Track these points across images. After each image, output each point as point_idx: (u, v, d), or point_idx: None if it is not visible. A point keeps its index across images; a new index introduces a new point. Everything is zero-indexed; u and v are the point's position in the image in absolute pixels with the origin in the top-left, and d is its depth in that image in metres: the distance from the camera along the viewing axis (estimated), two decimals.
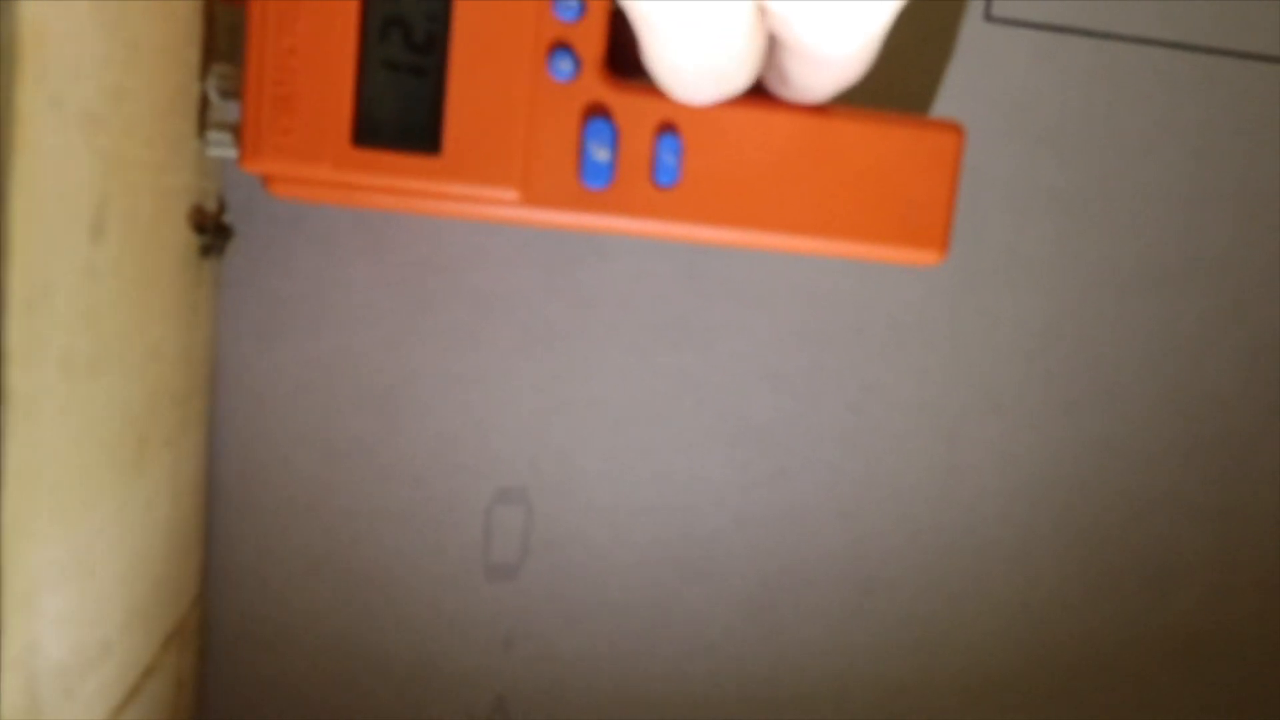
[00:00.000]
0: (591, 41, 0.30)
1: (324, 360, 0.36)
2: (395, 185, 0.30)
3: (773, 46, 0.27)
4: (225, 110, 0.31)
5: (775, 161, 0.31)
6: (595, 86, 0.30)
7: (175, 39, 0.28)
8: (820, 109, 0.31)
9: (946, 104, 0.38)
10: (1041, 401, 0.40)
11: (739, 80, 0.28)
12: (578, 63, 0.30)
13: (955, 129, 0.31)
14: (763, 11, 0.24)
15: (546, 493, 0.38)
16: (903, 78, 0.38)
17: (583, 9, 0.30)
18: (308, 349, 0.36)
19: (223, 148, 0.30)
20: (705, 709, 0.40)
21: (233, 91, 0.30)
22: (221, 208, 0.34)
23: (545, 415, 0.37)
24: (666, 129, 0.30)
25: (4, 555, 0.19)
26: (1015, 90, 0.38)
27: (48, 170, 0.20)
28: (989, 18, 0.38)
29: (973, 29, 0.38)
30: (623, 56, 0.32)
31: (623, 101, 0.30)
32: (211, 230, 0.32)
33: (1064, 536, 0.41)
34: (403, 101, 0.30)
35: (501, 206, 0.30)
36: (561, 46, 0.30)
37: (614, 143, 0.30)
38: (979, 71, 0.38)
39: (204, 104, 0.31)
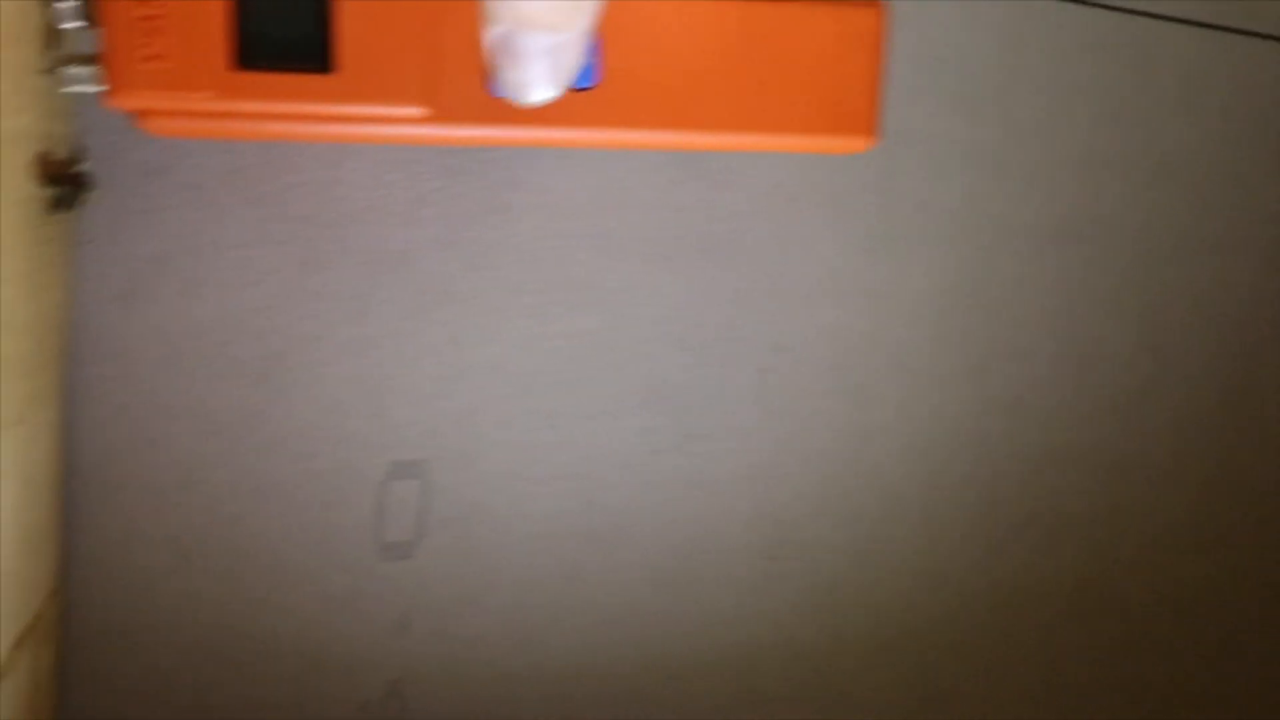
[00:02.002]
0: None
1: (198, 325, 0.32)
2: (286, 110, 0.27)
3: None
4: (78, 39, 0.27)
5: (696, 53, 0.29)
6: None
7: None
8: None
9: None
10: (949, 362, 0.40)
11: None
12: None
13: (876, 6, 0.30)
14: None
15: (445, 465, 0.35)
16: None
17: None
18: (179, 313, 0.32)
19: (81, 82, 0.26)
20: (611, 682, 0.39)
21: (88, 15, 0.27)
22: (76, 155, 0.30)
23: (444, 382, 0.35)
24: None
25: None
26: (933, 47, 0.37)
27: None
28: None
29: None
30: None
31: None
32: (64, 181, 0.29)
33: (966, 495, 0.41)
34: (289, 12, 0.27)
35: (405, 125, 0.28)
36: None
37: None
38: (898, 28, 0.37)
39: (50, 31, 0.27)
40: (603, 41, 0.28)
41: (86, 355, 0.32)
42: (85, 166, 0.30)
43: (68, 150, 0.30)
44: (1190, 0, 0.39)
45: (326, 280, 0.33)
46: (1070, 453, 0.42)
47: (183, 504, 0.33)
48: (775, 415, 0.38)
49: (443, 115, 0.28)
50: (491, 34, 0.24)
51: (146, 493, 0.33)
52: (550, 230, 0.35)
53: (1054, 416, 0.41)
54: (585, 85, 0.28)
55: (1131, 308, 0.41)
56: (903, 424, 0.40)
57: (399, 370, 0.34)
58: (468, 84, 0.28)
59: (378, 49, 0.27)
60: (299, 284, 0.33)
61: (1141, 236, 0.41)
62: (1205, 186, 0.41)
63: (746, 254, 0.37)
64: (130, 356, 0.32)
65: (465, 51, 0.27)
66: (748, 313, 0.37)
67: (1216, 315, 0.42)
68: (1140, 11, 0.39)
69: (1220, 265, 0.42)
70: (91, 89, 0.27)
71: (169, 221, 0.32)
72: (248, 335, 0.33)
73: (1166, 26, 0.39)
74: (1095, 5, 0.38)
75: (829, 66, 0.30)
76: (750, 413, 0.38)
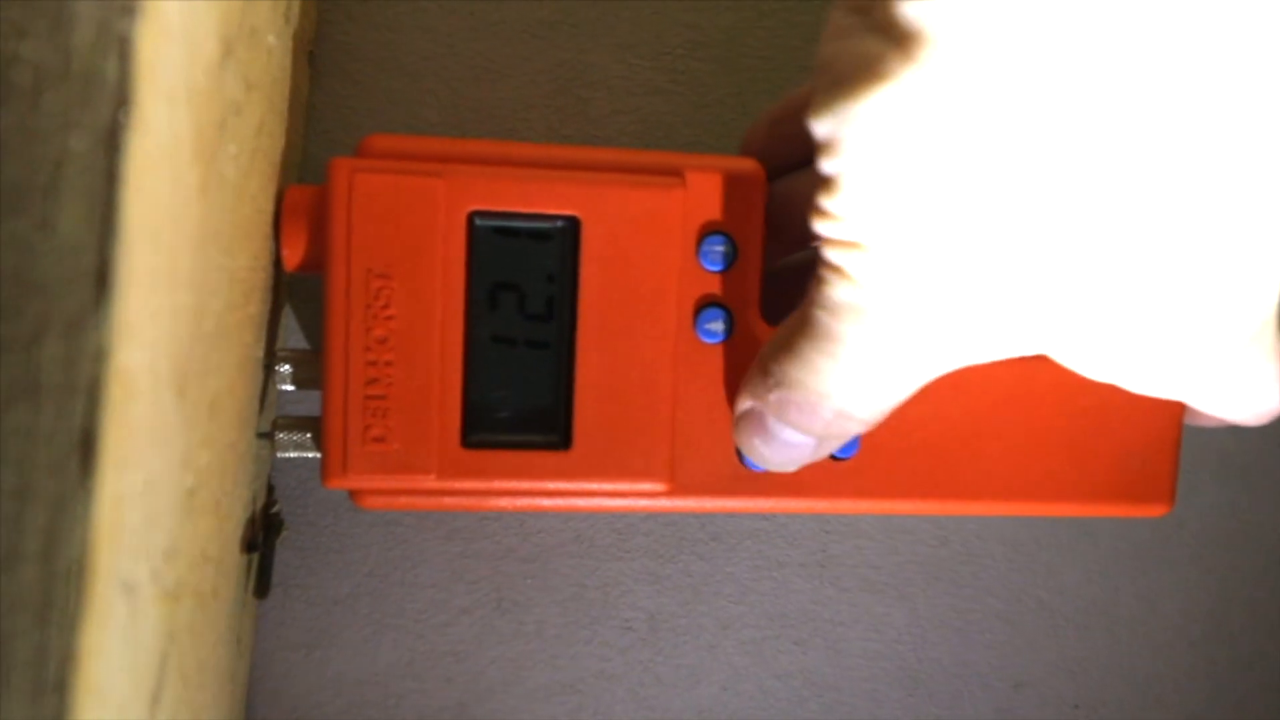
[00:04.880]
0: (745, 291, 0.24)
1: (383, 673, 0.29)
2: (516, 488, 0.24)
3: None
4: (277, 397, 0.25)
5: (967, 418, 0.25)
6: (753, 344, 0.24)
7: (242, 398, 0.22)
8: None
9: None
10: (1204, 698, 0.34)
11: None
12: (731, 320, 0.24)
13: None
14: None
15: None
16: None
17: (734, 255, 0.24)
18: (364, 659, 0.29)
19: (295, 449, 0.24)
20: None
21: (307, 379, 0.24)
22: (270, 494, 0.28)
23: None
24: None
25: None
26: None
27: (114, 649, 0.14)
28: None
29: None
30: (775, 299, 0.26)
31: None
32: (259, 531, 0.26)
33: None
34: (522, 387, 0.24)
35: (644, 499, 0.24)
36: (711, 303, 0.24)
37: None
38: None
39: (265, 390, 0.25)
40: None
41: (261, 706, 0.28)
42: (276, 507, 0.28)
43: (262, 494, 0.27)
44: None
45: (522, 621, 0.30)
46: None
47: None
48: None
49: (684, 489, 0.24)
50: (753, 410, 0.22)
51: None
52: (768, 559, 0.31)
53: None
54: (844, 456, 0.25)
55: None
56: None
57: (596, 717, 0.30)
58: (715, 456, 0.24)
59: (620, 422, 0.24)
60: (491, 626, 0.29)
61: None
62: None
63: (979, 580, 0.32)
64: (309, 707, 0.29)
65: (714, 419, 0.24)
66: (982, 645, 0.32)
67: None
68: None
69: None
70: (306, 454, 0.24)
71: (359, 561, 0.29)
72: (434, 683, 0.29)
73: None
74: None
75: (1124, 430, 0.26)
76: None
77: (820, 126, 0.18)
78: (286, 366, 0.24)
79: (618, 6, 0.29)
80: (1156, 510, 0.26)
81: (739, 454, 0.24)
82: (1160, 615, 0.34)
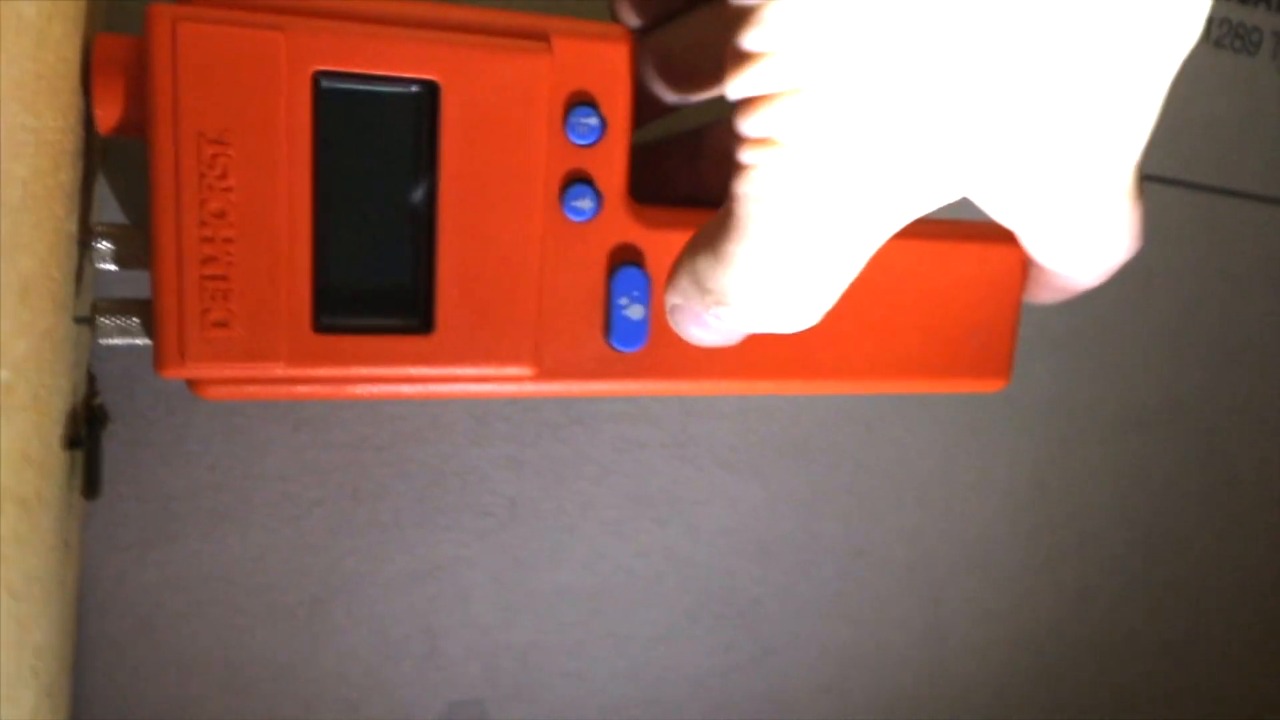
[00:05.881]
0: (613, 167, 0.23)
1: (229, 569, 0.27)
2: (372, 374, 0.22)
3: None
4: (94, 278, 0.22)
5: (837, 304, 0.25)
6: (621, 224, 0.23)
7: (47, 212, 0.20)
8: None
9: None
10: (1022, 555, 0.37)
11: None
12: (599, 197, 0.23)
13: (1016, 246, 0.27)
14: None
15: (504, 703, 0.31)
16: None
17: (602, 127, 0.23)
18: (207, 557, 0.27)
19: (120, 334, 0.22)
20: None
21: (131, 257, 0.22)
22: (92, 385, 0.25)
23: (505, 612, 0.31)
24: None
25: None
26: None
27: None
28: None
29: None
30: (644, 176, 0.26)
31: (657, 241, 0.24)
32: (82, 425, 0.24)
33: (1037, 687, 0.39)
34: (379, 266, 0.22)
35: (509, 383, 0.24)
36: (578, 179, 0.23)
37: (648, 295, 0.24)
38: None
39: (81, 270, 0.22)
40: None
41: (95, 611, 0.26)
42: (99, 399, 0.25)
43: (83, 385, 0.25)
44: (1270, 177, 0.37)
45: (377, 510, 0.29)
46: (1135, 638, 0.40)
47: None
48: (853, 622, 0.35)
49: (550, 373, 0.24)
50: (683, 303, 0.21)
51: None
52: (629, 440, 0.31)
53: (1120, 603, 0.39)
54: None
55: (1197, 489, 0.39)
56: (975, 623, 0.37)
57: (455, 604, 0.30)
58: (583, 338, 0.24)
59: (484, 303, 0.22)
60: (344, 517, 0.28)
61: (1212, 418, 0.39)
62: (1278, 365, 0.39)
63: (828, 455, 0.33)
64: (145, 609, 0.27)
65: (581, 300, 0.23)
66: (828, 516, 0.34)
67: None
68: (1223, 190, 0.37)
69: None
70: (134, 341, 0.22)
71: (198, 455, 0.27)
72: (284, 577, 0.28)
73: (1248, 204, 0.37)
74: (1179, 184, 0.36)
75: (966, 309, 0.27)
76: (828, 621, 0.35)
77: None
78: (105, 243, 0.21)
79: None
80: (995, 385, 0.28)
81: (605, 334, 0.24)
82: (991, 483, 0.36)
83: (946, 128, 0.17)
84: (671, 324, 0.22)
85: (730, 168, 0.18)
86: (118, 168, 0.25)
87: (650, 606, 0.32)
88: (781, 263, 0.19)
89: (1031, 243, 0.22)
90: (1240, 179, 0.37)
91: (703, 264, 0.20)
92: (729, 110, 0.26)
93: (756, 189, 0.18)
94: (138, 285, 0.22)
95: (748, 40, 0.17)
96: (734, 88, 0.17)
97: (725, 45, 0.17)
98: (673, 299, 0.21)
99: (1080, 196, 0.20)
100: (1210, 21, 0.36)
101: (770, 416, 0.32)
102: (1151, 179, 0.36)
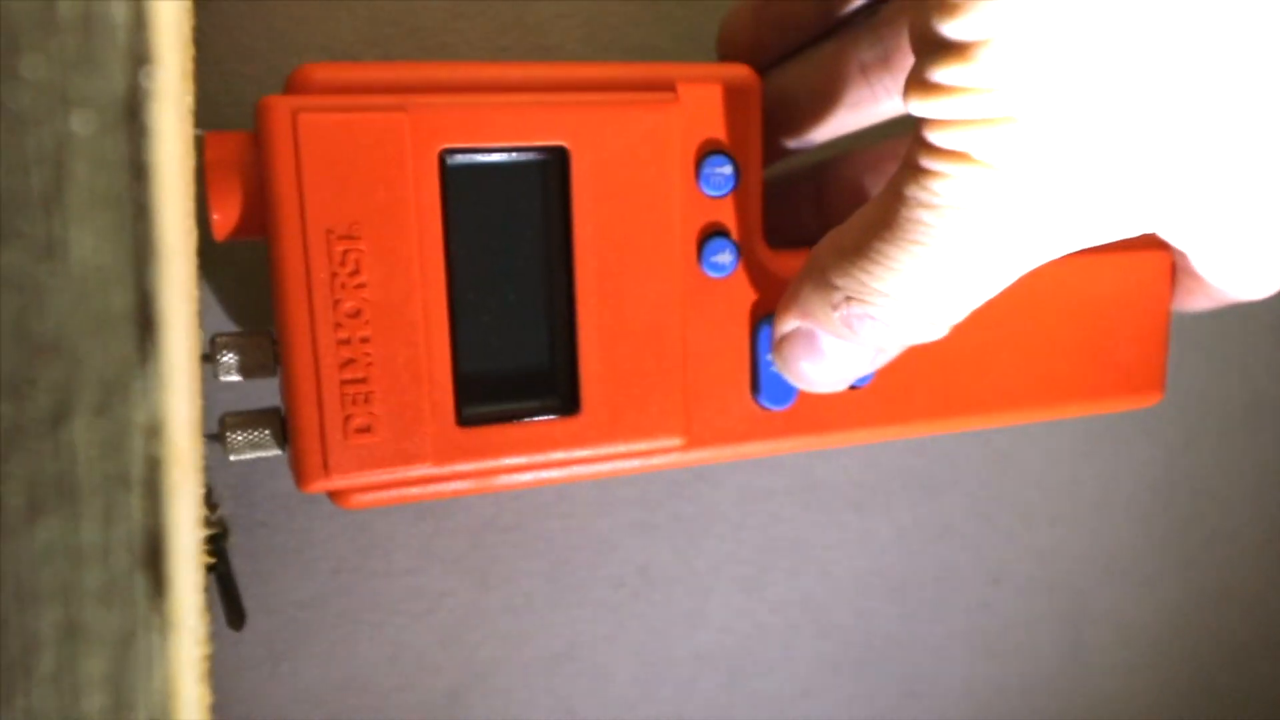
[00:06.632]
0: (749, 216, 0.22)
1: (364, 674, 0.26)
2: (520, 465, 0.21)
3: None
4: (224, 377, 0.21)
5: (968, 334, 0.24)
6: (761, 275, 0.22)
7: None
8: None
9: None
10: (1157, 560, 0.35)
11: None
12: (737, 249, 0.22)
13: (1165, 251, 0.25)
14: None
15: None
16: None
17: (736, 176, 0.22)
18: (340, 663, 0.26)
19: (254, 449, 0.20)
20: None
21: (257, 367, 0.20)
22: (209, 498, 0.24)
23: (645, 685, 0.29)
24: None
25: None
26: None
27: None
28: None
29: None
30: (779, 218, 0.24)
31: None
32: (209, 544, 0.22)
33: (1183, 694, 0.37)
34: (519, 349, 0.21)
35: (660, 455, 0.22)
36: (715, 233, 0.22)
37: None
38: None
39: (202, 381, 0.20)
40: None
41: None
42: (218, 512, 0.24)
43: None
44: None
45: (510, 594, 0.27)
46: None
47: None
48: (993, 656, 0.33)
49: (701, 439, 0.22)
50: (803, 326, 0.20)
51: None
52: (755, 490, 0.29)
53: (1260, 602, 0.38)
54: (860, 384, 0.23)
55: None
56: (1117, 633, 0.35)
57: (595, 681, 0.28)
58: (731, 399, 0.22)
59: (630, 376, 0.21)
60: (478, 605, 0.27)
61: None
62: None
63: (955, 484, 0.32)
64: None
65: (727, 359, 0.22)
66: (962, 545, 0.32)
67: None
68: None
69: None
70: (265, 454, 0.20)
71: (322, 558, 0.25)
72: (420, 676, 0.26)
73: None
74: None
75: (1115, 324, 0.25)
76: (969, 657, 0.33)
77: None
78: (230, 355, 0.20)
79: None
80: (1150, 399, 0.26)
81: (754, 393, 0.22)
82: (1118, 493, 0.34)
83: (1148, 162, 0.16)
84: (777, 362, 0.21)
85: (903, 172, 0.17)
86: (212, 267, 0.24)
87: (791, 661, 0.31)
88: (942, 270, 0.18)
89: (1207, 266, 0.21)
90: None
91: (841, 266, 0.19)
92: (851, 145, 0.25)
93: (942, 198, 0.17)
94: (260, 395, 0.21)
95: (956, 77, 0.15)
96: (932, 109, 0.16)
97: (910, 73, 0.16)
98: (788, 322, 0.20)
99: (1262, 223, 0.18)
100: None
101: (893, 450, 0.31)
102: None
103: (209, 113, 0.23)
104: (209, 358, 0.20)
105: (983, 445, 0.32)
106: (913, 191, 0.17)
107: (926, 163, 0.17)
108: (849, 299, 0.19)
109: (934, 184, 0.17)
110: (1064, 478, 0.33)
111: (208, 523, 0.23)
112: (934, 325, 0.19)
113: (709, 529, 0.29)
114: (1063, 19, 0.14)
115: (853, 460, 0.30)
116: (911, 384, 0.24)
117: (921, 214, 0.17)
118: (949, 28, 0.15)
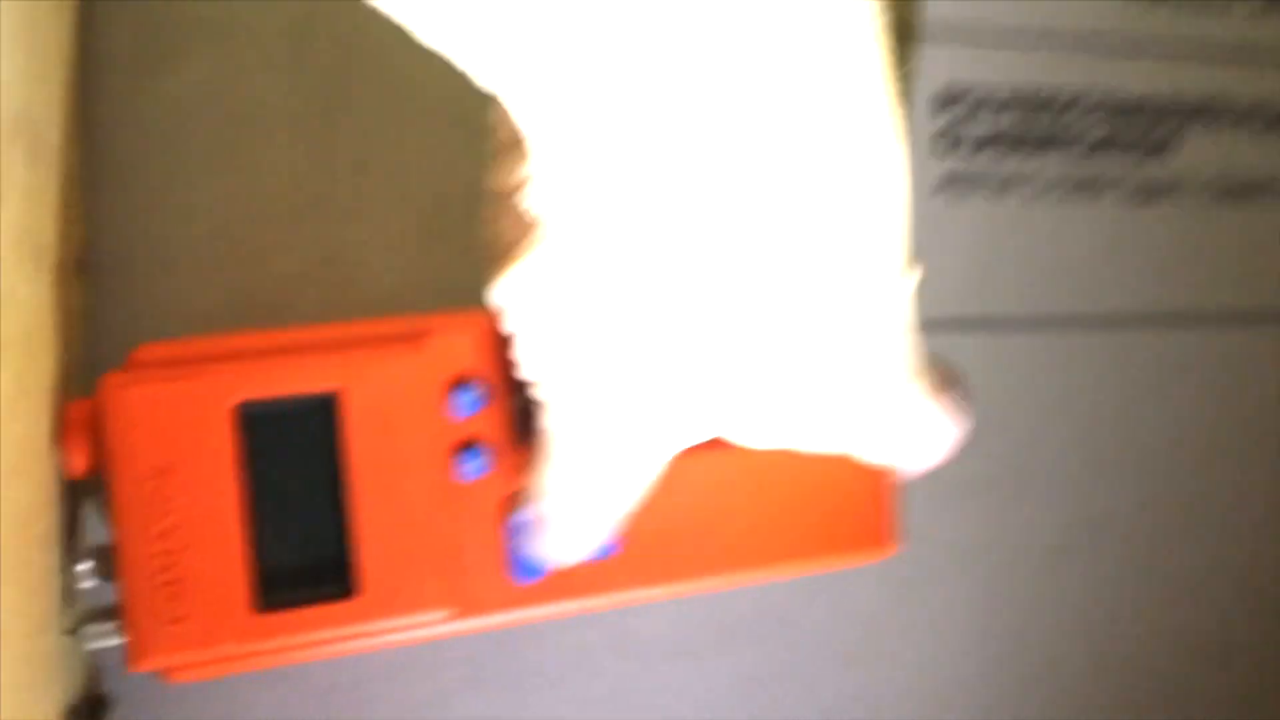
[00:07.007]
0: (498, 426, 0.28)
1: None
2: (311, 640, 0.27)
3: None
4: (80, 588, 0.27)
5: (711, 499, 0.29)
6: (511, 473, 0.28)
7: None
8: None
9: None
10: (988, 694, 0.39)
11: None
12: (489, 455, 0.28)
13: None
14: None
15: None
16: None
17: (484, 398, 0.28)
18: None
19: (105, 637, 0.26)
20: None
21: (109, 571, 0.26)
22: (95, 677, 0.29)
23: None
24: None
25: None
26: None
27: None
28: None
29: None
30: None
31: None
32: (80, 713, 0.28)
33: None
34: (305, 548, 0.27)
35: (431, 627, 0.28)
36: (466, 446, 0.28)
37: None
38: None
39: (69, 592, 0.27)
40: None
41: None
42: (102, 687, 0.29)
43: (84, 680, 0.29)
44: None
45: None
46: None
47: None
48: None
49: (466, 611, 0.28)
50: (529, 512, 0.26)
51: None
52: (573, 643, 0.34)
53: None
54: (606, 554, 0.28)
55: (1147, 601, 0.41)
56: None
57: None
58: (490, 577, 0.28)
59: (399, 563, 0.27)
60: None
61: (1146, 531, 0.41)
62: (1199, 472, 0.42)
63: (768, 631, 0.36)
64: None
65: (484, 545, 0.28)
66: (785, 695, 0.36)
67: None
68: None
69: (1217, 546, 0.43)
70: (113, 642, 0.26)
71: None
72: None
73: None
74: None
75: (844, 487, 0.30)
76: None
77: (493, 296, 0.24)
78: (87, 564, 0.26)
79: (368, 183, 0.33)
80: (884, 553, 0.31)
81: (509, 570, 0.28)
82: (947, 631, 0.38)
83: (677, 393, 0.23)
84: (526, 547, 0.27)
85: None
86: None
87: None
88: (562, 473, 0.25)
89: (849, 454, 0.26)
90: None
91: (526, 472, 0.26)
92: None
93: (542, 422, 0.25)
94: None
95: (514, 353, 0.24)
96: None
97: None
98: (523, 512, 0.27)
99: (848, 411, 0.24)
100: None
101: (705, 600, 0.36)
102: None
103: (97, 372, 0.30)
104: (68, 568, 0.26)
105: (793, 593, 0.37)
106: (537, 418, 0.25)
107: (534, 398, 0.24)
108: (531, 499, 0.25)
109: (540, 414, 0.25)
110: (880, 626, 0.38)
111: (90, 700, 0.29)
112: (596, 520, 0.25)
113: (533, 681, 0.34)
114: (553, 319, 0.23)
115: (666, 607, 0.35)
116: (653, 549, 0.29)
117: (543, 433, 0.25)
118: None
